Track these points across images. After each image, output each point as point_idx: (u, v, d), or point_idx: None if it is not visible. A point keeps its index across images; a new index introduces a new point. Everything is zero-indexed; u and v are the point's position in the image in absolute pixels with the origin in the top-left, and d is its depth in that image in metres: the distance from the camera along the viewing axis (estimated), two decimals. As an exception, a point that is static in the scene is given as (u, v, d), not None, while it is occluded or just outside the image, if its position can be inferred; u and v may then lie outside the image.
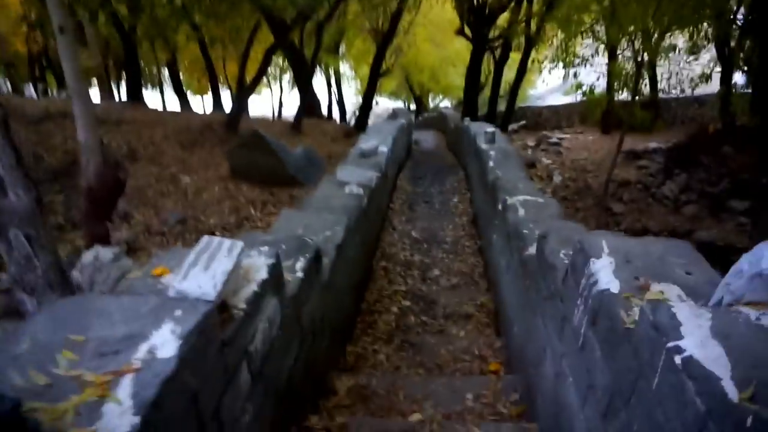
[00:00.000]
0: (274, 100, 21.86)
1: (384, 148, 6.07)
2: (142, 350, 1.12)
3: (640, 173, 9.96)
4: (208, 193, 6.40)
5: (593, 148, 12.29)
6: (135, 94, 13.50)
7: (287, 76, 20.24)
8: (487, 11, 13.24)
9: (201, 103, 22.15)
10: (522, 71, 13.64)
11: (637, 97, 6.79)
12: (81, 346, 1.14)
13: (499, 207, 4.05)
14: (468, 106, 14.46)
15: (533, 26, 12.64)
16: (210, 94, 17.20)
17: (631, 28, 7.13)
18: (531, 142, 13.67)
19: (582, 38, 10.45)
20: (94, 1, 5.90)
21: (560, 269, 2.12)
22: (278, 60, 17.73)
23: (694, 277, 1.57)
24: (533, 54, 13.52)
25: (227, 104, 16.06)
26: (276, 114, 20.95)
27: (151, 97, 18.99)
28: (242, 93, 10.73)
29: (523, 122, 18.44)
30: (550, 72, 12.07)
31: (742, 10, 8.73)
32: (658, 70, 11.85)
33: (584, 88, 8.03)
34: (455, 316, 3.98)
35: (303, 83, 12.62)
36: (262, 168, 6.91)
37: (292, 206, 6.23)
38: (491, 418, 2.39)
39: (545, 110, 19.69)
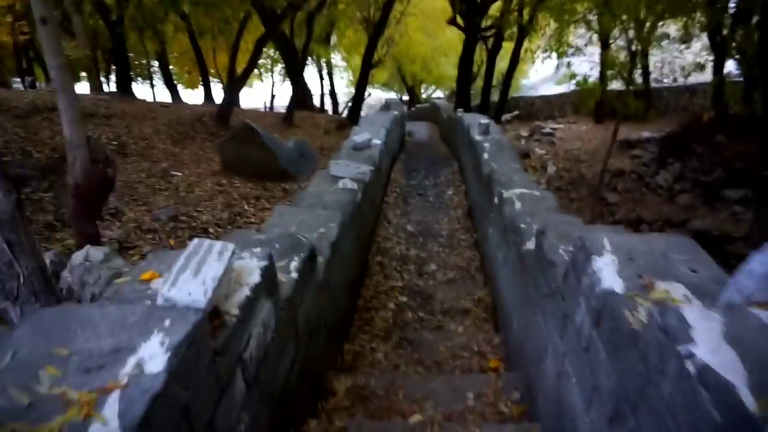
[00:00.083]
0: (266, 91, 21.68)
1: (377, 141, 6.00)
2: (129, 364, 1.06)
3: (634, 163, 9.96)
4: (200, 188, 6.30)
5: (586, 138, 12.27)
6: (124, 87, 13.29)
7: (279, 68, 20.02)
8: (479, 0, 13.13)
9: (192, 96, 21.91)
10: (515, 61, 13.58)
11: (630, 87, 6.75)
12: (65, 361, 1.08)
13: (495, 200, 4.01)
14: (461, 96, 14.39)
15: (526, 16, 12.56)
16: (201, 86, 16.99)
17: (624, 17, 7.08)
18: (524, 133, 13.65)
19: (575, 28, 10.40)
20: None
21: (560, 266, 2.08)
22: (270, 51, 17.54)
23: (698, 275, 1.53)
24: (526, 44, 13.45)
25: (218, 96, 15.87)
26: (268, 106, 20.76)
27: (141, 90, 18.77)
28: (233, 85, 10.59)
29: (516, 112, 18.41)
30: (543, 62, 12.02)
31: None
32: (650, 60, 11.84)
33: (578, 78, 7.99)
34: (453, 312, 3.95)
35: (294, 75, 12.48)
36: (253, 162, 6.83)
37: (286, 201, 6.16)
38: (493, 418, 2.36)
39: (538, 100, 19.66)
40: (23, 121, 7.81)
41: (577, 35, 11.45)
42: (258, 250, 1.78)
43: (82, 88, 14.70)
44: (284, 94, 19.66)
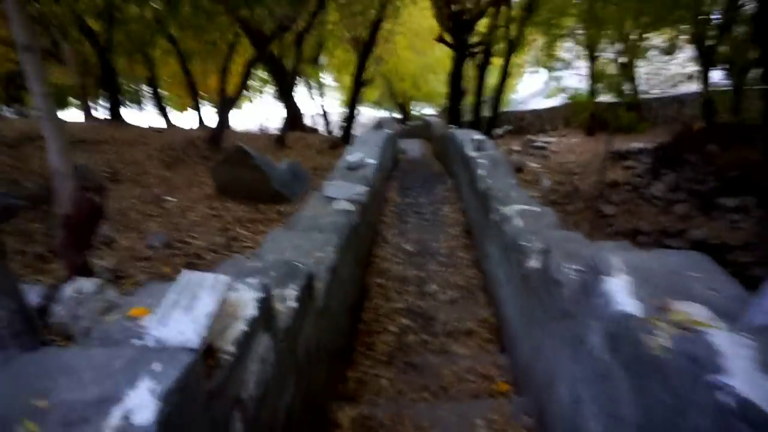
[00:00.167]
0: (257, 113, 21.72)
1: (371, 160, 5.95)
2: (115, 416, 0.97)
3: (628, 174, 9.98)
4: (193, 213, 6.21)
5: (579, 151, 12.32)
6: (115, 113, 13.25)
7: (270, 89, 20.09)
8: (465, 17, 13.26)
9: (184, 119, 21.88)
10: (504, 76, 13.67)
11: (621, 99, 6.79)
12: (44, 414, 0.99)
13: (494, 217, 3.95)
14: (452, 113, 14.45)
15: (513, 31, 12.69)
16: (192, 109, 16.98)
17: (610, 30, 7.16)
18: (516, 147, 13.69)
19: (561, 42, 10.51)
20: (67, 18, 5.71)
21: (567, 286, 2.00)
22: (260, 73, 17.60)
23: (717, 294, 1.46)
24: (514, 59, 13.56)
25: (209, 119, 15.88)
26: (261, 127, 20.77)
27: (132, 115, 18.74)
28: (224, 107, 10.57)
29: (508, 127, 18.50)
30: (532, 75, 12.12)
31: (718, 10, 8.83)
32: (638, 71, 11.97)
33: (569, 91, 8.04)
34: (456, 333, 3.84)
35: (285, 96, 12.49)
36: (247, 184, 6.75)
37: (280, 223, 6.07)
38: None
39: (528, 114, 19.78)
40: (13, 150, 7.72)
41: (565, 49, 11.57)
42: (253, 280, 1.69)
43: (74, 114, 14.66)
44: (276, 114, 19.69)
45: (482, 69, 14.06)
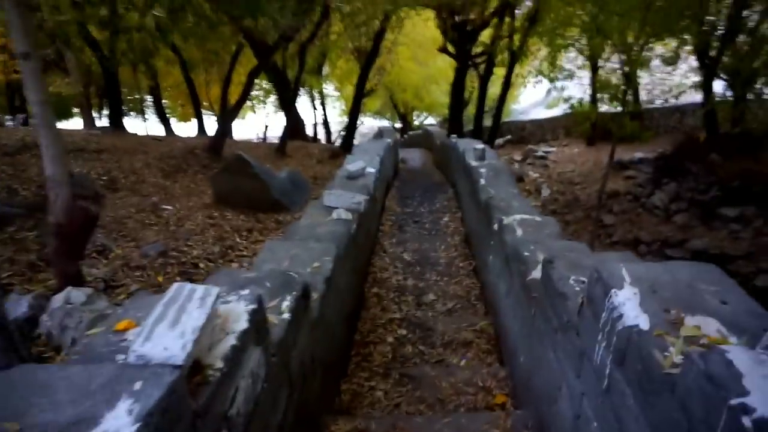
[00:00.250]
0: (259, 123, 21.75)
1: (371, 169, 5.91)
2: (90, 439, 0.91)
3: (628, 184, 9.92)
4: (191, 221, 6.15)
5: (580, 161, 12.28)
6: (116, 121, 13.25)
7: (272, 99, 20.13)
8: (469, 27, 13.30)
9: (186, 129, 21.92)
10: (506, 86, 13.68)
11: (625, 108, 6.74)
12: (16, 436, 0.92)
13: (495, 227, 3.89)
14: (453, 123, 14.44)
15: (516, 41, 12.70)
16: (194, 119, 17.00)
17: (615, 39, 7.14)
18: (517, 156, 13.66)
19: (565, 52, 10.50)
20: (70, 27, 5.70)
21: (571, 298, 1.94)
22: (263, 83, 17.65)
23: (730, 307, 1.40)
24: (517, 69, 13.57)
25: (212, 128, 15.88)
26: (261, 137, 20.79)
27: (134, 124, 18.76)
28: (225, 116, 10.56)
29: (509, 137, 18.50)
30: (535, 86, 12.10)
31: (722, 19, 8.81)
32: (640, 81, 11.95)
33: (572, 101, 8.00)
34: (454, 344, 3.77)
35: (287, 105, 12.50)
36: (246, 193, 6.71)
37: (279, 232, 6.01)
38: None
39: (529, 124, 19.79)
40: (11, 159, 7.69)
41: (568, 59, 11.57)
42: (246, 291, 1.63)
43: (75, 123, 14.66)
44: (277, 124, 19.72)
45: (485, 79, 14.08)
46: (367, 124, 28.45)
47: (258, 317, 1.58)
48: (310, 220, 3.68)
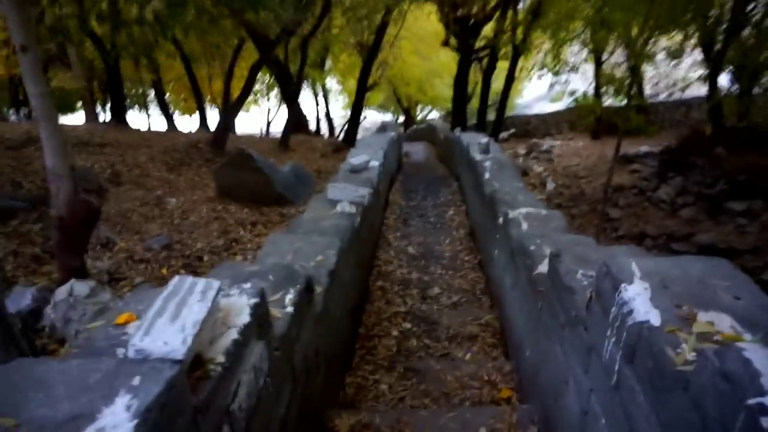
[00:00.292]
0: (262, 117, 21.70)
1: (375, 163, 5.87)
2: (88, 435, 0.88)
3: (634, 177, 9.85)
4: (195, 215, 6.14)
5: (584, 154, 12.20)
6: (119, 116, 13.23)
7: (275, 93, 20.07)
8: (472, 21, 13.20)
9: (188, 123, 21.90)
10: (510, 80, 13.59)
11: (630, 102, 6.68)
12: (12, 433, 0.90)
13: (500, 221, 3.85)
14: (457, 116, 14.37)
15: (519, 35, 12.60)
16: (197, 113, 16.96)
17: (619, 33, 7.07)
18: (522, 150, 13.59)
19: (569, 45, 10.41)
20: (71, 21, 5.66)
21: (579, 292, 1.91)
22: (265, 76, 17.59)
23: (743, 303, 1.36)
24: (521, 62, 13.47)
25: (214, 122, 15.85)
26: (264, 131, 20.75)
27: (137, 118, 18.76)
28: (228, 110, 10.53)
29: (513, 131, 18.41)
30: (540, 78, 12.00)
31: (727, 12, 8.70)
32: (644, 75, 11.85)
33: (577, 94, 7.94)
34: (459, 338, 3.75)
35: (290, 99, 12.45)
36: (249, 187, 6.69)
37: (283, 225, 5.99)
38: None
39: (533, 118, 19.70)
40: (15, 152, 7.69)
41: (571, 53, 11.49)
42: (248, 285, 1.61)
43: (78, 118, 14.66)
44: (280, 118, 19.69)
45: (488, 73, 13.99)
46: (371, 118, 28.37)
47: (260, 311, 1.55)
48: (314, 214, 3.66)
